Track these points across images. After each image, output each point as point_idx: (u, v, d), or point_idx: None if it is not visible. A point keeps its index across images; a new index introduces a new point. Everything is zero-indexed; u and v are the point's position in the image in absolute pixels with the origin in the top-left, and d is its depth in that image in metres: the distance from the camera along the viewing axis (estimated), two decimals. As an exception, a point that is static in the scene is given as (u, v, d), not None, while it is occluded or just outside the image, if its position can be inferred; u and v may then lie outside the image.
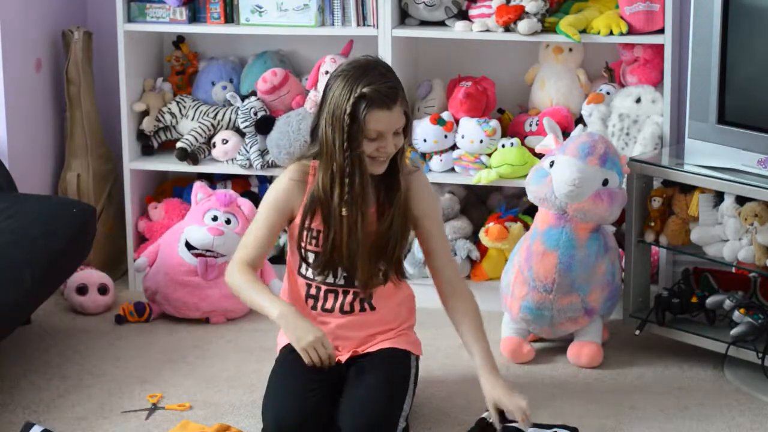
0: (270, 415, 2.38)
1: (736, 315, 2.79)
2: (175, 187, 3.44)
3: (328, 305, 2.52)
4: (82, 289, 3.20)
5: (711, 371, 2.87)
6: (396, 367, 2.48)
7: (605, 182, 2.83)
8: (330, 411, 2.40)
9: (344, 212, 2.41)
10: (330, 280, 2.50)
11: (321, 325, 2.49)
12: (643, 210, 2.93)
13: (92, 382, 2.82)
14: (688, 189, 2.87)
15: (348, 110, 2.34)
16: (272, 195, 2.50)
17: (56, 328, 3.13)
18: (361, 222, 2.41)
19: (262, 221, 2.50)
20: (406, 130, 2.43)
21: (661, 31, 3.05)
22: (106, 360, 2.93)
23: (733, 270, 2.93)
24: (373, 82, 2.36)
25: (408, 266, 3.13)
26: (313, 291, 2.53)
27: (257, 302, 2.43)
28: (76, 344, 3.02)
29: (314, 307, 2.52)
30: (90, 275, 3.23)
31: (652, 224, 2.92)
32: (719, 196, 2.82)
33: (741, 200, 2.76)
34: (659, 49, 3.08)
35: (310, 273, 2.51)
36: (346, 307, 2.52)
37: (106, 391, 2.77)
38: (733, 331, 2.77)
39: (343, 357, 2.51)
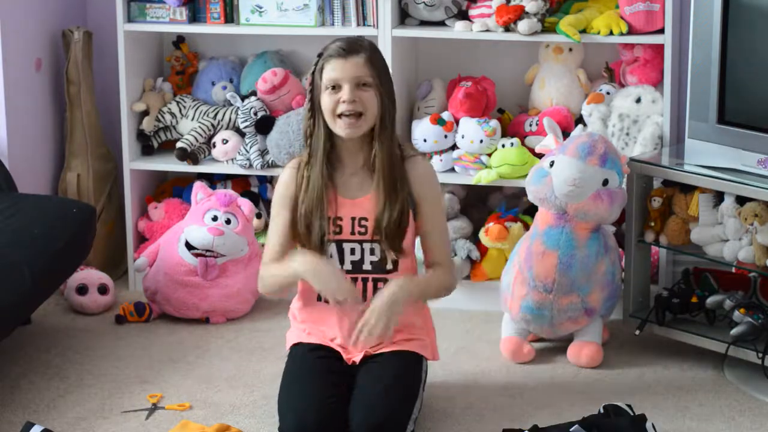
0: (291, 418, 2.36)
1: (736, 315, 2.79)
2: (175, 187, 3.44)
3: None
4: (82, 289, 3.20)
5: (711, 371, 2.86)
6: (407, 370, 2.47)
7: (605, 182, 2.82)
8: (346, 413, 2.39)
9: (305, 173, 2.45)
10: (337, 266, 2.47)
11: (332, 317, 2.49)
12: (643, 210, 2.93)
13: (92, 382, 2.81)
14: (688, 189, 2.86)
15: (312, 70, 2.44)
16: (276, 192, 2.54)
17: (56, 328, 3.12)
18: (322, 184, 2.40)
19: (275, 219, 2.53)
20: (382, 92, 2.40)
21: (661, 31, 3.05)
22: (106, 360, 2.93)
23: (733, 270, 2.93)
24: (336, 42, 2.44)
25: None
26: None
27: (282, 275, 2.46)
28: (76, 344, 3.02)
29: (327, 301, 2.50)
30: (90, 275, 3.23)
31: (652, 224, 2.92)
32: (719, 196, 2.82)
33: (741, 200, 2.76)
34: (659, 49, 3.08)
35: None
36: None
37: (106, 391, 2.76)
38: (733, 331, 2.77)
39: (357, 357, 2.50)
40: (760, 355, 2.71)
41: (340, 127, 2.42)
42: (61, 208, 2.97)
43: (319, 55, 2.46)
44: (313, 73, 2.45)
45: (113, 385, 2.79)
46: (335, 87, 2.39)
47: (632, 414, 2.55)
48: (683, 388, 2.79)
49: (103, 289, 3.22)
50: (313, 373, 2.43)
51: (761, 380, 2.74)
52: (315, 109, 2.44)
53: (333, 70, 2.40)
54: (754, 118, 2.72)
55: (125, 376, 2.84)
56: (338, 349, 2.51)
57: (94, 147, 3.39)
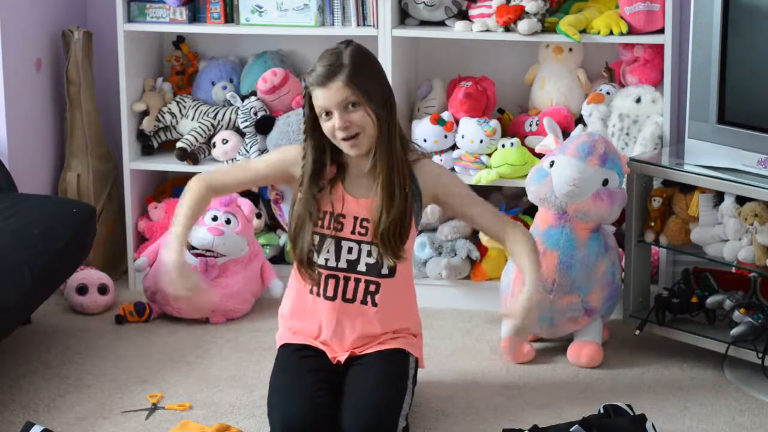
0: (278, 417, 2.36)
1: (736, 315, 2.79)
2: (175, 187, 3.42)
3: (330, 292, 2.50)
4: (82, 289, 3.19)
5: (711, 371, 2.86)
6: (394, 367, 2.46)
7: (605, 182, 2.82)
8: (335, 411, 2.39)
9: (299, 193, 2.47)
10: (332, 264, 2.48)
11: (320, 313, 2.49)
12: (643, 210, 2.92)
13: (92, 382, 2.80)
14: (688, 189, 2.85)
15: (303, 93, 2.45)
16: (280, 150, 2.57)
17: (56, 328, 3.11)
18: (312, 200, 2.43)
19: (258, 161, 2.58)
20: (372, 107, 2.38)
21: (661, 31, 3.04)
22: (106, 360, 2.91)
23: (733, 270, 2.92)
24: (317, 65, 2.41)
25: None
26: (313, 278, 2.51)
27: (174, 221, 2.50)
28: (76, 344, 3.01)
29: (318, 294, 2.51)
30: (90, 275, 3.22)
31: (652, 224, 2.91)
32: (719, 196, 2.81)
33: (741, 200, 2.75)
34: (659, 49, 3.07)
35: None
36: (349, 295, 2.50)
37: (106, 391, 2.74)
38: (733, 331, 2.76)
39: (342, 357, 2.50)
40: (760, 355, 2.70)
41: (344, 149, 2.43)
42: (61, 208, 2.95)
43: (305, 80, 2.45)
44: (304, 95, 2.45)
45: (113, 385, 2.78)
46: (327, 113, 2.40)
47: (632, 414, 2.54)
48: (683, 388, 2.78)
49: (103, 289, 3.21)
50: (300, 373, 2.43)
51: (761, 380, 2.73)
52: (308, 131, 2.45)
53: (318, 98, 2.40)
54: (754, 118, 2.71)
55: (125, 376, 2.83)
56: (323, 348, 2.51)
57: (94, 147, 3.38)
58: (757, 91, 2.71)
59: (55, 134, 3.42)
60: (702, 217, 2.83)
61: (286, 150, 2.57)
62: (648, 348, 2.97)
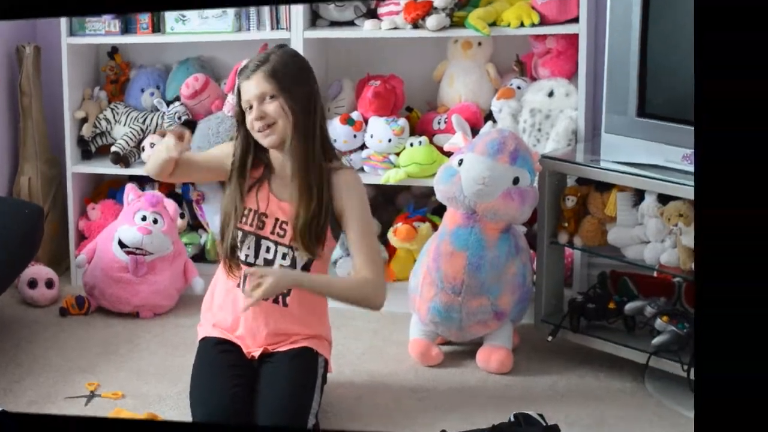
0: (199, 410, 1.38)
1: (659, 323, 1.30)
2: (111, 189, 1.96)
3: (247, 286, 1.35)
4: (32, 283, 1.78)
5: (630, 382, 1.36)
6: (304, 366, 1.37)
7: (516, 180, 1.35)
8: (250, 406, 1.34)
9: (227, 188, 1.39)
10: (251, 260, 1.37)
11: (238, 307, 1.36)
12: (556, 209, 1.42)
13: (41, 370, 1.55)
14: (604, 187, 1.35)
15: (236, 90, 1.38)
16: (217, 148, 1.43)
17: (11, 319, 1.77)
18: (239, 194, 1.34)
19: (200, 154, 1.44)
20: (289, 103, 1.29)
21: (576, 19, 1.49)
22: (52, 349, 1.62)
23: (655, 274, 1.40)
24: (249, 62, 1.36)
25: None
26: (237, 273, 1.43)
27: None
28: (28, 334, 1.68)
29: (241, 288, 1.39)
30: (39, 270, 1.80)
31: (566, 224, 1.40)
32: (639, 195, 1.31)
33: (663, 199, 1.27)
34: (573, 39, 1.51)
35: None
36: None
37: (51, 378, 1.52)
38: (655, 341, 1.28)
39: (255, 353, 1.40)
40: (685, 366, 1.23)
41: (260, 141, 1.35)
42: (15, 208, 1.65)
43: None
44: (236, 94, 1.37)
45: (58, 373, 1.54)
46: (250, 107, 1.34)
47: (544, 424, 1.20)
48: (599, 399, 1.32)
49: (50, 284, 1.80)
50: (220, 369, 1.39)
51: (685, 393, 1.26)
52: (238, 126, 1.37)
53: (243, 92, 1.36)
54: (677, 109, 1.24)
55: (68, 366, 1.56)
56: (239, 343, 1.41)
57: (42, 153, 1.92)
58: (680, 80, 1.24)
59: (10, 142, 1.96)
60: (620, 217, 1.33)
61: (222, 146, 1.45)
62: (561, 355, 1.46)
